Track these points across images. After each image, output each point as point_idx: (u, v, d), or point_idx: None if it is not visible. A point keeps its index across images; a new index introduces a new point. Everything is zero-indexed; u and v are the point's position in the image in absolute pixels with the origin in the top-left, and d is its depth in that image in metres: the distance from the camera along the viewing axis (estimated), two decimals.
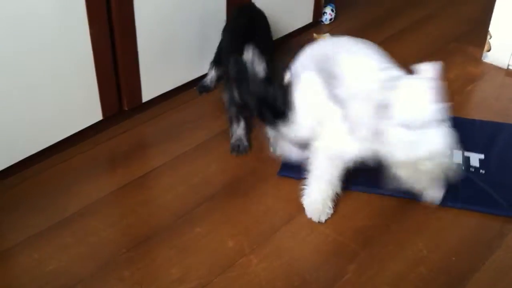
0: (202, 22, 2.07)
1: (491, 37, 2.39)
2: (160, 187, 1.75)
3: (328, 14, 2.68)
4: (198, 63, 2.13)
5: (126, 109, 1.96)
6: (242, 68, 1.63)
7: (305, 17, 2.58)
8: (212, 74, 2.11)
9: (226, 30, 2.00)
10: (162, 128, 1.99)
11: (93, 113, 1.86)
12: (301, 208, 1.65)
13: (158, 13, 1.90)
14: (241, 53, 1.65)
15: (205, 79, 2.13)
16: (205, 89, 2.14)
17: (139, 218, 1.62)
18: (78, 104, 1.80)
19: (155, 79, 2.00)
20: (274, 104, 1.63)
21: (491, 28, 2.38)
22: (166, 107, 2.07)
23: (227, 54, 1.87)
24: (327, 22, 2.69)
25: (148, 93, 2.00)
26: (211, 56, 2.10)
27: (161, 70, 2.01)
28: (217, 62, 2.07)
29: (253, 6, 2.06)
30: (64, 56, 1.69)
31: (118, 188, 1.71)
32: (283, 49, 2.49)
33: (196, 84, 2.16)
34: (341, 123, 1.52)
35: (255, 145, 1.89)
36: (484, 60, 2.43)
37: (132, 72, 1.92)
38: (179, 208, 1.65)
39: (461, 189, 1.71)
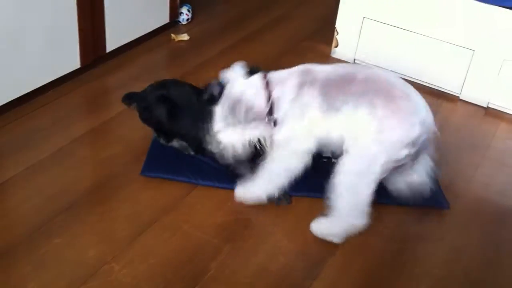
0: (51, 23, 1.99)
1: (338, 33, 2.54)
2: (13, 199, 1.66)
3: (185, 14, 2.70)
4: (50, 66, 2.05)
5: None
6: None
7: (162, 18, 2.57)
8: None
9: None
10: (14, 136, 1.89)
11: None
12: (163, 210, 1.66)
13: (2, 17, 1.80)
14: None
15: None
16: None
17: None
18: None
19: (3, 84, 1.90)
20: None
21: (338, 25, 2.53)
22: (17, 114, 1.97)
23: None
24: (184, 22, 2.71)
25: None
26: (59, 60, 2.03)
27: (9, 75, 1.90)
28: None
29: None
30: None
31: None
32: (140, 50, 2.48)
33: (51, 87, 2.08)
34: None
35: (115, 150, 1.86)
36: (333, 56, 2.58)
37: None
38: (35, 220, 1.58)
39: (315, 180, 1.80)
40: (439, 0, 2.28)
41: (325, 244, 1.61)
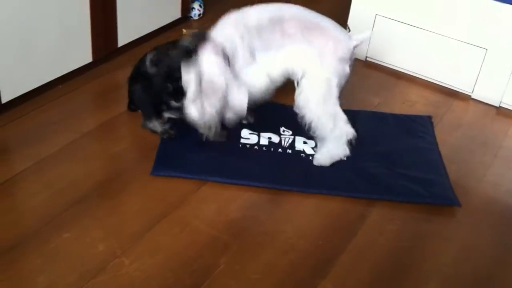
0: (60, 20, 2.00)
1: (349, 30, 2.52)
2: (24, 193, 1.67)
3: (197, 9, 2.70)
4: (60, 61, 2.05)
5: None
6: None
7: (173, 13, 2.57)
8: None
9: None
10: (25, 130, 1.89)
11: None
12: (173, 206, 1.66)
13: (15, 11, 1.81)
14: None
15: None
16: None
17: (1, 226, 1.53)
18: None
19: (14, 78, 1.90)
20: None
21: (350, 22, 2.51)
22: (28, 108, 1.98)
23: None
24: (196, 17, 2.71)
25: (7, 94, 1.90)
26: (72, 52, 2.04)
27: (20, 69, 1.91)
28: None
29: None
30: None
31: None
32: (152, 45, 2.47)
33: (61, 82, 2.09)
34: None
35: (124, 145, 1.87)
36: None
37: None
38: (45, 214, 1.58)
39: (325, 176, 1.81)
40: None
41: (334, 242, 1.61)
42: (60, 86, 2.10)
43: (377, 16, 2.43)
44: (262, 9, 1.83)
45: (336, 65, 1.79)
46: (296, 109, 1.82)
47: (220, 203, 1.70)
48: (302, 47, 1.78)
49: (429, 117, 2.15)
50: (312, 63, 1.79)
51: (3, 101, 1.89)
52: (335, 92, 1.80)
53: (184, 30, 2.58)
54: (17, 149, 1.83)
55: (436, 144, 2.00)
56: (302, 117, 1.81)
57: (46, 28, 1.95)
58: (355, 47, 1.82)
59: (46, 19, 1.94)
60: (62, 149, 1.82)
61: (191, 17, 2.70)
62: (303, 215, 1.69)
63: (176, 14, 2.58)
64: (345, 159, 1.86)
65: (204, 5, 2.74)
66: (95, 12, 2.10)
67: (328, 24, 1.83)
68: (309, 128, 1.82)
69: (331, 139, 1.83)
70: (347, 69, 1.82)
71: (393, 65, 2.49)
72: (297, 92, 1.81)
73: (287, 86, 2.24)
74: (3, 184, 1.67)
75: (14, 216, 1.58)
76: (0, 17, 1.77)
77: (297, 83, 1.81)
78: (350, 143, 1.85)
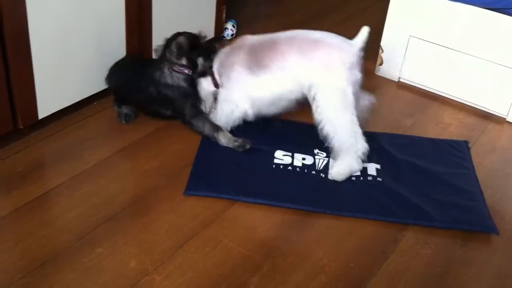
0: (99, 36, 2.04)
1: (382, 51, 2.52)
2: (58, 208, 1.69)
3: (230, 29, 2.73)
4: (96, 78, 2.09)
5: (21, 127, 1.88)
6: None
7: (207, 32, 2.58)
8: None
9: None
10: (60, 146, 1.93)
11: None
12: (204, 224, 1.66)
13: (54, 28, 1.85)
14: None
15: None
16: None
17: (36, 241, 1.56)
18: None
19: (51, 94, 1.94)
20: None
21: (383, 43, 2.51)
22: (65, 124, 2.01)
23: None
24: (229, 37, 2.73)
25: (44, 109, 1.94)
26: (105, 71, 2.07)
27: (58, 86, 1.95)
28: None
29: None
30: None
31: (13, 211, 1.64)
32: None
33: (96, 99, 2.12)
34: None
35: (157, 163, 1.88)
36: (377, 74, 2.56)
37: (27, 88, 1.85)
38: (79, 229, 1.60)
39: (359, 199, 1.79)
40: (486, 20, 2.24)
41: (366, 266, 1.59)
42: (95, 103, 2.13)
43: (410, 37, 2.42)
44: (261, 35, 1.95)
45: (346, 73, 1.81)
46: (316, 124, 1.84)
47: (251, 222, 1.70)
48: (302, 63, 1.83)
49: (466, 142, 2.12)
50: (320, 76, 1.81)
51: (40, 117, 1.93)
52: (351, 100, 1.82)
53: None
54: (53, 165, 1.86)
55: (473, 169, 1.97)
56: (321, 130, 1.82)
57: (83, 45, 1.99)
58: (359, 49, 1.86)
59: (83, 36, 1.98)
60: (96, 165, 1.85)
61: (224, 37, 2.72)
62: (335, 237, 1.68)
63: (210, 33, 2.61)
64: (359, 173, 1.87)
65: (237, 26, 2.76)
66: (130, 30, 2.14)
67: (325, 36, 1.87)
68: (327, 140, 1.83)
69: (347, 152, 1.83)
70: (358, 75, 1.84)
71: (426, 87, 2.47)
72: (313, 108, 1.83)
73: None
74: (38, 198, 1.70)
75: (48, 230, 1.60)
76: (39, 33, 1.81)
77: (312, 99, 1.83)
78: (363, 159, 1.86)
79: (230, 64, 1.94)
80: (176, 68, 1.94)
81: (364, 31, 1.87)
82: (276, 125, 2.09)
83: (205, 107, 1.99)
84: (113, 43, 2.10)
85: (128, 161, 1.88)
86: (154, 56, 2.04)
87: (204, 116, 1.96)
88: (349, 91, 1.81)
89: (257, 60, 1.88)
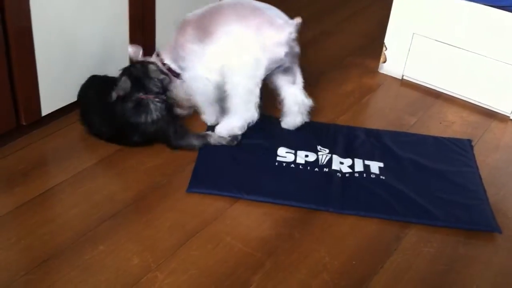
0: (102, 33, 2.04)
1: (386, 49, 2.51)
2: (60, 205, 1.69)
3: None
4: (100, 75, 2.09)
5: (24, 124, 1.88)
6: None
7: None
8: None
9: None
10: (63, 143, 1.93)
11: None
12: (207, 221, 1.66)
13: (58, 24, 1.85)
14: None
15: None
16: None
17: (38, 238, 1.56)
18: None
19: (55, 92, 1.94)
20: None
21: (386, 40, 2.50)
22: (68, 121, 2.01)
23: None
24: None
25: (47, 106, 1.94)
26: (113, 68, 2.07)
27: (61, 83, 1.95)
28: None
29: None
30: None
31: (15, 208, 1.64)
32: None
33: None
34: None
35: (160, 160, 1.88)
36: (380, 71, 2.56)
37: (30, 85, 1.85)
38: (80, 226, 1.60)
39: (362, 197, 1.79)
40: (491, 17, 2.23)
41: (368, 263, 1.58)
42: None
43: (414, 34, 2.42)
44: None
45: (270, 46, 1.86)
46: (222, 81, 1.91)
47: (254, 220, 1.69)
48: (237, 28, 1.87)
49: (469, 141, 2.11)
50: (246, 41, 1.86)
51: (43, 113, 1.93)
52: (261, 73, 1.88)
53: None
54: (55, 162, 1.86)
55: (477, 168, 1.96)
56: (225, 89, 1.90)
57: (87, 42, 1.99)
58: (293, 30, 1.86)
59: (87, 33, 1.97)
60: (98, 163, 1.85)
61: None
62: (337, 235, 1.67)
63: None
64: (240, 136, 1.96)
65: None
66: (134, 30, 2.14)
67: (266, 7, 1.90)
68: (223, 97, 1.92)
69: (235, 114, 1.92)
70: (281, 54, 1.87)
71: (430, 84, 2.46)
72: (226, 63, 1.89)
73: (325, 107, 2.24)
74: (40, 196, 1.70)
75: (51, 228, 1.60)
76: (43, 30, 1.81)
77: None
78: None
79: (181, 46, 1.97)
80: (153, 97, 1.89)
81: (298, 19, 1.89)
82: (278, 122, 2.09)
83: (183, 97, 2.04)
84: (116, 40, 2.10)
85: (130, 159, 1.88)
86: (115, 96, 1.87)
87: (185, 132, 1.94)
88: (262, 64, 1.87)
89: (204, 30, 1.91)
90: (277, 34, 1.86)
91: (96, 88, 1.97)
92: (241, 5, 1.92)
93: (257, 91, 1.89)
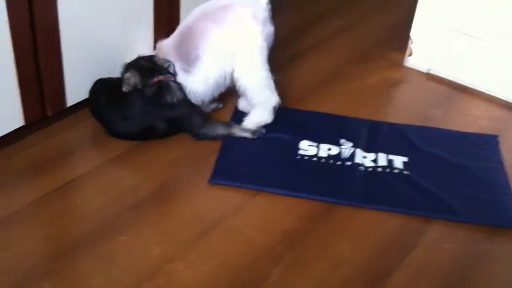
0: (127, 25, 2.05)
1: (412, 42, 2.48)
2: (83, 195, 1.72)
3: None
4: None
5: (50, 114, 1.91)
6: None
7: None
8: None
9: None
10: (87, 134, 1.95)
11: (14, 119, 1.80)
12: (228, 213, 1.66)
13: (83, 16, 1.87)
14: None
15: None
16: None
17: (61, 228, 1.58)
18: None
19: (80, 83, 1.95)
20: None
21: (412, 34, 2.47)
22: (89, 113, 2.03)
23: None
24: None
25: (72, 97, 1.95)
26: (135, 53, 2.08)
27: (86, 73, 1.96)
28: None
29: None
30: None
31: (39, 197, 1.66)
32: None
33: None
34: None
35: (181, 152, 1.89)
36: (405, 65, 2.52)
37: (56, 76, 1.87)
38: (103, 216, 1.62)
39: (384, 192, 1.77)
40: None
41: (389, 258, 1.57)
42: None
43: (441, 27, 2.38)
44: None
45: (261, 28, 1.87)
46: (234, 81, 1.92)
47: (274, 213, 1.69)
48: (220, 31, 1.87)
49: (495, 137, 2.07)
50: (238, 36, 1.87)
51: (68, 104, 1.95)
52: (266, 55, 1.90)
53: None
54: (79, 152, 1.88)
55: (502, 164, 1.93)
56: (239, 86, 1.91)
57: (112, 33, 2.00)
58: (266, 3, 1.90)
59: (112, 25, 1.99)
60: (121, 154, 1.86)
61: None
62: (358, 229, 1.66)
63: None
64: (264, 130, 1.96)
65: None
66: (158, 16, 2.14)
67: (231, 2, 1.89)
68: (244, 94, 1.93)
69: (261, 104, 1.93)
70: (271, 28, 1.91)
71: (456, 78, 2.42)
72: (234, 67, 1.90)
73: (348, 100, 2.22)
74: (64, 186, 1.72)
75: (73, 218, 1.62)
76: (69, 21, 1.82)
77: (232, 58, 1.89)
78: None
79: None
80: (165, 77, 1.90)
81: None
82: (301, 115, 2.08)
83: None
84: (140, 31, 2.11)
85: (153, 150, 1.89)
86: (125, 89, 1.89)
87: (210, 120, 1.95)
88: (264, 46, 1.88)
89: (186, 54, 1.91)
90: (259, 12, 1.88)
91: (106, 91, 1.94)
92: (210, 11, 1.90)
93: (269, 74, 1.91)
